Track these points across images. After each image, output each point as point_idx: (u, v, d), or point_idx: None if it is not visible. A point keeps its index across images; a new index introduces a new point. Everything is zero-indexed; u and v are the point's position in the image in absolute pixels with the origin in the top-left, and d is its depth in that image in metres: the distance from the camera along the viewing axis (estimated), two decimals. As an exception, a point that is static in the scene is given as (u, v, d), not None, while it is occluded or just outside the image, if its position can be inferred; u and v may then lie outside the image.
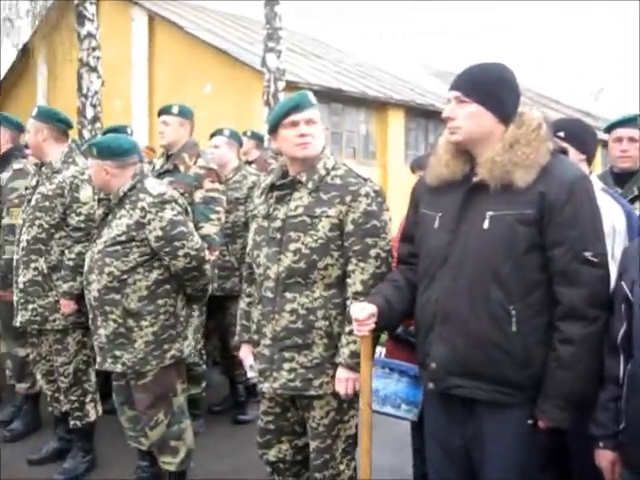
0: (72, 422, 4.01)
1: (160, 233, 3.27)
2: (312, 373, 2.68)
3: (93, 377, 4.04)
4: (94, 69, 10.78)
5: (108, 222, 3.39)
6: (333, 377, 2.67)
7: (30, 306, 3.89)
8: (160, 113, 4.37)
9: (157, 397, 3.40)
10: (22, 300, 3.92)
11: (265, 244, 2.77)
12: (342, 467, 2.78)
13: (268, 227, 2.77)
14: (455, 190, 2.33)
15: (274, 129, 2.76)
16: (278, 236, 2.72)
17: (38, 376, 4.18)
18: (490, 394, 2.24)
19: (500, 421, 2.25)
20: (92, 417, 4.02)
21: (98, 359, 3.47)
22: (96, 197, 3.73)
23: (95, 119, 10.57)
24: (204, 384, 4.53)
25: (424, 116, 17.06)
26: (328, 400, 2.71)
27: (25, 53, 17.03)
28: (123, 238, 3.29)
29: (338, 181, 2.70)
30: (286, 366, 2.70)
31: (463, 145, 2.34)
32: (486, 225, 2.23)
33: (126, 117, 13.56)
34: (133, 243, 3.29)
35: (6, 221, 4.36)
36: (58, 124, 3.99)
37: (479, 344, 2.21)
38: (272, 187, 2.82)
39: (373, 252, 2.65)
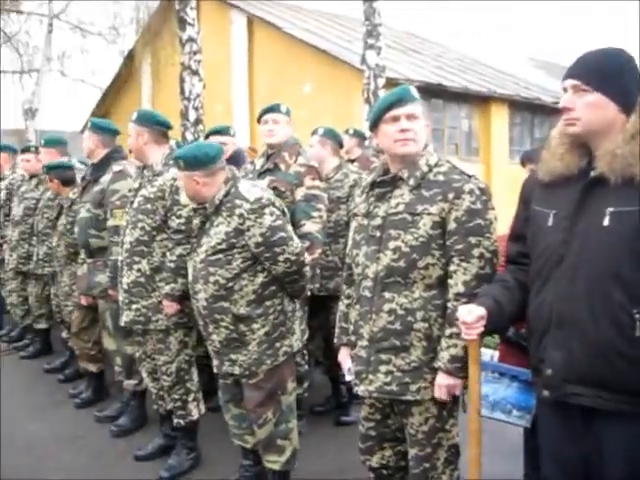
0: (175, 420, 4.07)
1: (260, 239, 3.24)
2: (409, 377, 2.59)
3: (195, 376, 4.08)
4: (196, 72, 11.03)
5: (206, 230, 3.37)
6: (431, 382, 2.56)
7: (134, 306, 3.97)
8: (267, 111, 4.34)
9: (268, 395, 3.41)
10: (126, 300, 4.00)
11: (364, 242, 2.72)
12: (444, 478, 2.67)
13: (368, 225, 2.72)
14: (571, 185, 2.18)
15: (375, 124, 2.69)
16: (378, 234, 2.66)
17: (144, 374, 4.28)
18: (613, 404, 2.08)
19: (623, 433, 2.09)
20: (195, 416, 4.07)
21: (215, 362, 3.49)
22: (191, 207, 3.74)
23: (197, 121, 10.81)
24: (307, 384, 4.50)
25: (529, 110, 16.56)
26: (427, 406, 2.61)
27: (130, 59, 17.63)
28: (224, 246, 3.27)
29: (441, 178, 2.60)
30: (382, 368, 2.63)
31: (581, 137, 2.19)
32: (606, 222, 2.07)
33: (227, 118, 13.79)
34: (234, 250, 3.27)
35: (110, 223, 4.45)
36: (158, 127, 4.03)
37: (599, 350, 2.06)
38: (373, 185, 2.76)
39: (476, 252, 2.53)
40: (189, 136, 10.47)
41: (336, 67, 13.10)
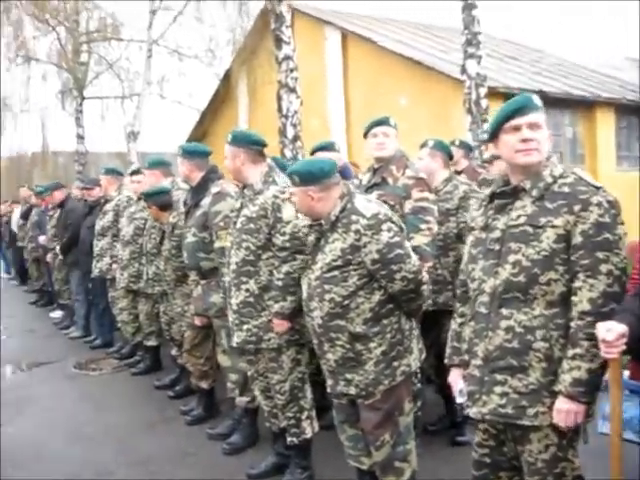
0: (289, 439, 4.04)
1: (376, 256, 3.15)
2: (526, 400, 2.44)
3: (309, 394, 4.04)
4: (293, 90, 11.11)
5: (321, 247, 3.30)
6: (550, 407, 2.40)
7: (245, 326, 3.96)
8: (377, 124, 4.29)
9: (385, 416, 3.31)
10: (237, 321, 4.00)
11: (482, 256, 2.61)
12: None
13: (486, 238, 2.61)
14: None
15: (494, 134, 2.59)
16: (496, 247, 2.54)
17: (256, 392, 4.27)
18: None
19: None
20: (308, 434, 4.03)
21: (329, 382, 3.42)
22: (295, 223, 3.70)
23: (296, 138, 10.87)
24: (420, 402, 4.39)
25: (637, 114, 15.87)
26: (546, 433, 2.45)
27: (226, 79, 17.99)
28: (339, 263, 3.19)
29: (566, 189, 2.47)
30: (497, 389, 2.50)
31: None
32: None
33: (324, 134, 13.84)
34: (350, 267, 3.18)
35: (217, 245, 4.47)
36: (253, 146, 4.02)
37: None
38: (492, 197, 2.65)
39: (604, 268, 2.37)
40: (288, 153, 10.55)
41: (431, 78, 12.95)
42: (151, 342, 6.75)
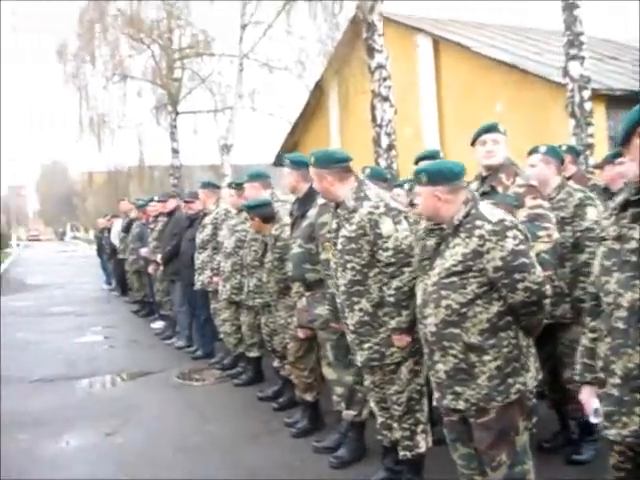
0: (402, 453, 3.96)
1: (500, 263, 3.03)
2: None
3: (425, 407, 3.96)
4: (386, 98, 11.06)
5: (441, 252, 3.20)
6: None
7: (365, 345, 3.91)
8: (485, 131, 4.16)
9: (499, 436, 3.16)
10: (356, 341, 3.95)
11: (617, 269, 2.46)
12: None
13: (620, 249, 2.46)
14: None
15: (626, 138, 2.45)
16: (633, 259, 2.40)
17: (371, 404, 4.18)
18: None
19: None
20: (422, 448, 3.94)
21: (436, 395, 3.31)
22: (426, 226, 3.62)
23: (390, 147, 10.81)
24: (535, 419, 4.22)
25: None
26: None
27: (317, 90, 18.08)
28: (459, 268, 3.09)
29: None
30: (639, 410, 2.35)
31: None
32: None
33: (417, 142, 13.72)
34: (470, 274, 3.07)
35: (323, 256, 4.43)
36: (338, 165, 3.97)
37: None
38: (625, 205, 2.50)
39: None
40: (382, 162, 10.48)
41: (527, 82, 12.61)
42: (253, 353, 6.78)
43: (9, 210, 73.32)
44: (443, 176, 3.20)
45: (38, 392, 7.04)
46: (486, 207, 3.20)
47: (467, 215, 3.15)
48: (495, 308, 3.10)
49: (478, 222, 3.09)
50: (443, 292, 3.13)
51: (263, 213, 5.62)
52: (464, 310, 3.09)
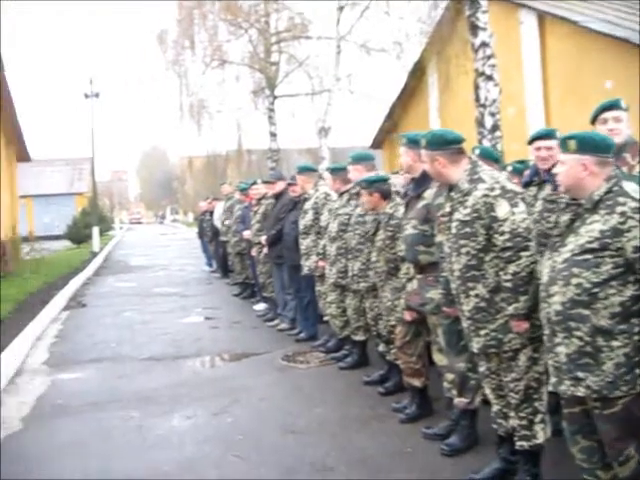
0: (518, 443, 3.82)
1: None
2: None
3: (545, 396, 3.79)
4: (490, 77, 10.71)
5: (575, 229, 3.07)
6: None
7: (482, 332, 3.78)
8: (606, 109, 3.97)
9: (626, 428, 3.00)
10: (472, 327, 3.83)
11: None
12: None
13: None
14: None
15: None
16: None
17: (487, 390, 4.05)
18: None
19: None
20: (540, 439, 3.79)
21: (552, 380, 3.18)
22: (564, 200, 3.47)
23: (495, 128, 10.47)
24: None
25: None
26: None
27: (415, 71, 17.79)
28: (595, 245, 2.95)
29: None
30: None
31: None
32: None
33: (520, 122, 13.32)
34: (606, 252, 2.93)
35: (438, 238, 4.31)
36: (450, 147, 3.86)
37: None
38: None
39: None
40: (486, 143, 10.15)
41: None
42: (359, 337, 6.72)
43: (112, 194, 76.34)
44: (594, 145, 3.08)
45: (148, 370, 7.25)
46: (631, 185, 3.04)
47: (609, 191, 3.01)
48: (630, 292, 2.94)
49: (621, 199, 2.95)
50: (575, 270, 2.99)
51: (383, 189, 5.54)
52: (596, 290, 2.95)
